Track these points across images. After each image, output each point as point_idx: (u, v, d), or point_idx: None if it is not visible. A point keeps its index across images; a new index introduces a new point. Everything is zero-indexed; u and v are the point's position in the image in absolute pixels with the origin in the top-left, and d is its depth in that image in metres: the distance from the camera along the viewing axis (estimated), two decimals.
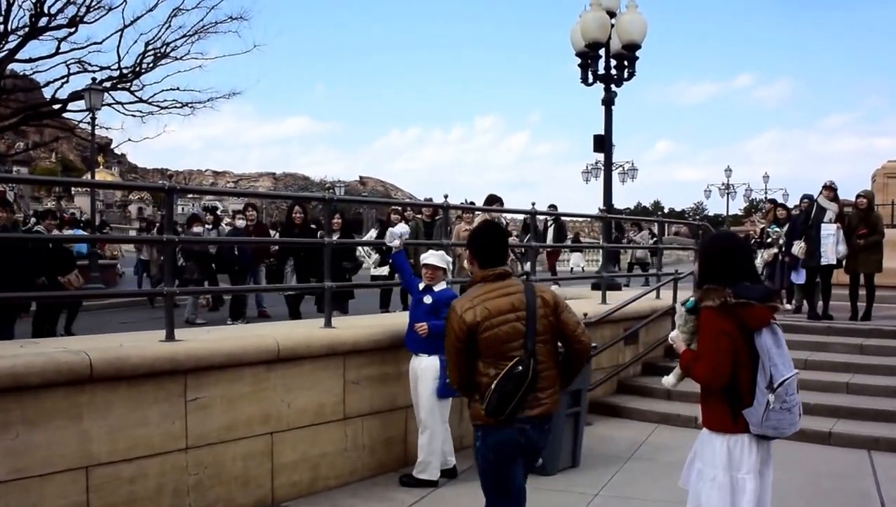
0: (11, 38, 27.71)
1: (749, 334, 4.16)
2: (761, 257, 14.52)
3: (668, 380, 4.87)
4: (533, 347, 4.50)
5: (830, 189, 12.42)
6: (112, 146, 43.36)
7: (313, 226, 13.38)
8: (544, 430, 4.64)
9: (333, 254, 11.58)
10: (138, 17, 29.61)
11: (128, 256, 28.96)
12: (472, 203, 15.68)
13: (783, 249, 13.46)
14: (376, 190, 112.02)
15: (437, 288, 7.21)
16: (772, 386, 4.09)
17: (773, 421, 4.13)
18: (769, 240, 13.93)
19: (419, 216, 13.77)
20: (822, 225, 12.18)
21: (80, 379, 5.35)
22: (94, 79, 28.06)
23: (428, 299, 7.12)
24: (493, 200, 11.60)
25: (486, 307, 4.49)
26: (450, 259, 7.47)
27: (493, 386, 4.43)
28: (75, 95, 29.05)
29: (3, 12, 26.88)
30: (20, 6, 27.30)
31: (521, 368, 4.43)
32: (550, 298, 4.70)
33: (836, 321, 12.06)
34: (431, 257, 7.29)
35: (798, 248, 12.63)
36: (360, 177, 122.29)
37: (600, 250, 19.24)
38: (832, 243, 12.04)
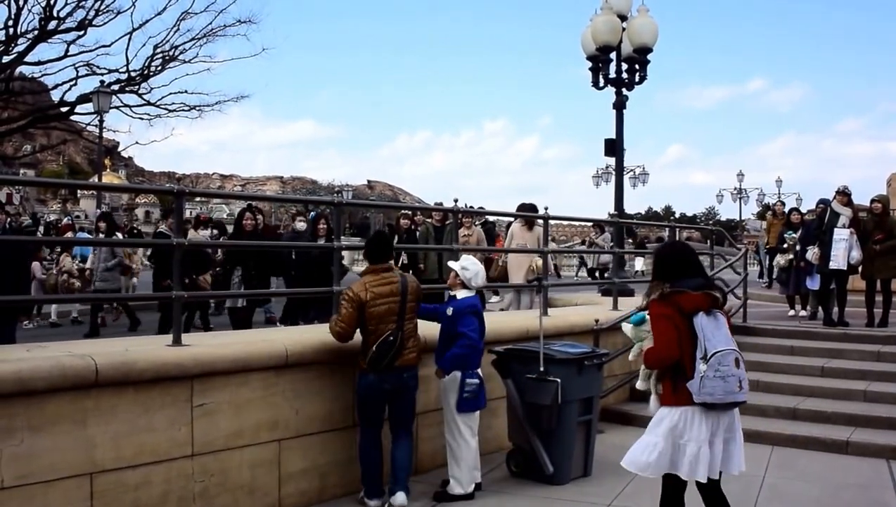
0: (21, 41, 27.84)
1: (689, 318, 4.86)
2: (776, 263, 14.38)
3: (639, 384, 5.48)
4: (402, 323, 6.50)
5: (844, 194, 12.27)
6: (119, 149, 43.49)
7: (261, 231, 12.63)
8: (403, 377, 6.59)
9: (317, 260, 11.36)
10: (147, 21, 29.74)
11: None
12: (480, 207, 15.60)
13: (797, 254, 13.33)
14: (384, 194, 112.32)
15: (459, 295, 7.06)
16: (705, 357, 4.73)
17: (707, 388, 4.71)
18: (785, 246, 13.80)
19: (429, 221, 13.66)
20: (835, 230, 12.04)
21: (86, 384, 5.26)
22: (102, 82, 28.18)
23: (449, 311, 6.98)
24: (526, 208, 12.25)
25: (373, 292, 6.44)
26: (475, 268, 7.16)
27: (374, 348, 6.41)
28: (83, 98, 29.13)
29: (12, 16, 26.95)
30: (30, 10, 27.37)
31: (392, 338, 6.44)
32: (416, 289, 6.77)
33: (853, 328, 11.88)
34: (452, 262, 7.28)
35: (812, 253, 12.49)
36: (369, 181, 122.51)
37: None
38: (843, 249, 11.88)
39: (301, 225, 14.09)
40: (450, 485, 6.94)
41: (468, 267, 7.11)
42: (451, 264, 7.31)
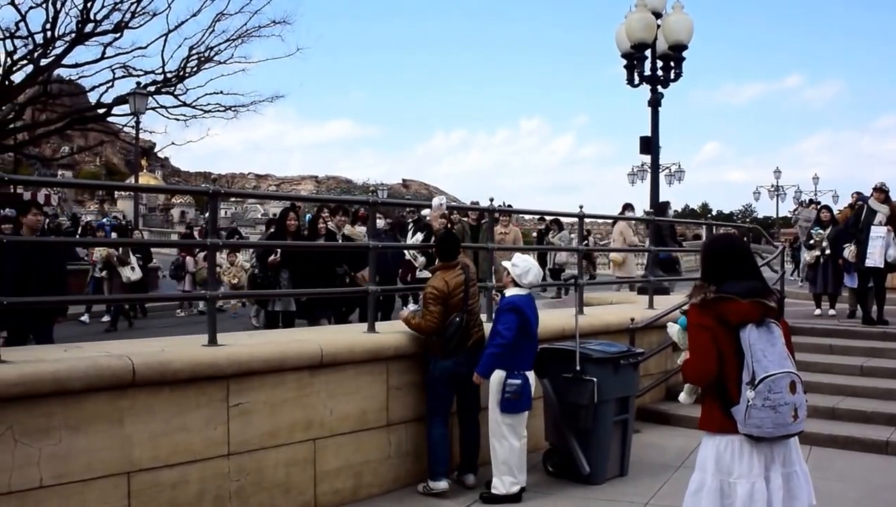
0: (58, 43, 28.06)
1: (735, 331, 4.11)
2: (803, 260, 14.20)
3: (682, 397, 4.91)
4: (466, 307, 7.04)
5: (881, 191, 12.12)
6: (155, 150, 43.80)
7: (305, 232, 12.29)
8: (473, 356, 6.99)
9: (326, 258, 11.25)
10: (182, 22, 29.91)
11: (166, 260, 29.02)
12: (509, 206, 15.55)
13: (825, 251, 13.16)
14: (420, 193, 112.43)
15: (507, 294, 7.08)
16: (752, 383, 4.01)
17: (755, 419, 4.01)
18: (811, 242, 13.63)
19: (465, 219, 13.62)
20: (872, 228, 11.89)
21: (123, 384, 5.30)
22: (138, 83, 28.41)
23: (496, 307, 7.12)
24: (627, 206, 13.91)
25: (452, 283, 7.01)
26: (526, 265, 7.08)
27: (445, 332, 6.90)
28: (120, 100, 29.38)
29: (50, 19, 27.22)
30: (67, 13, 27.64)
31: (458, 319, 6.95)
32: (475, 274, 7.40)
33: (892, 327, 11.71)
34: (505, 261, 7.28)
35: (848, 251, 12.34)
36: (404, 180, 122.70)
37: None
38: (880, 246, 11.74)
39: (381, 223, 13.67)
40: (493, 485, 6.89)
41: (517, 264, 7.06)
42: (503, 262, 7.31)
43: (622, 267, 14.68)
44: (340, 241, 11.95)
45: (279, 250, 10.92)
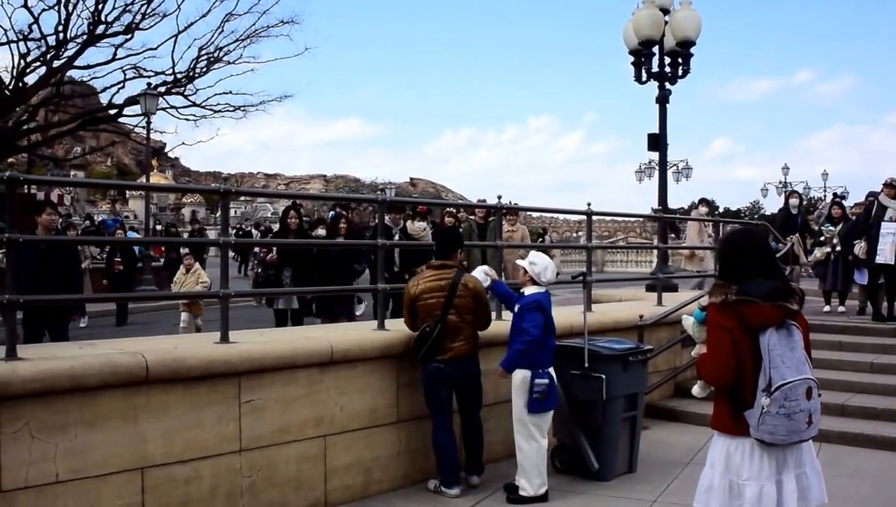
0: (70, 45, 28.18)
1: (754, 335, 4.01)
2: (814, 256, 14.19)
3: (695, 390, 4.80)
4: (444, 316, 6.75)
5: (892, 187, 12.04)
6: (166, 150, 43.87)
7: (321, 232, 12.25)
8: (458, 366, 6.83)
9: (341, 256, 11.30)
10: (192, 23, 29.99)
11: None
12: (515, 204, 15.58)
13: (835, 248, 13.14)
14: (427, 191, 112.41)
15: (527, 292, 6.97)
16: (768, 389, 3.92)
17: (768, 426, 3.95)
18: (822, 239, 13.60)
19: (472, 218, 13.65)
20: (883, 224, 11.84)
21: (137, 381, 5.37)
22: (149, 84, 28.49)
23: (516, 308, 6.97)
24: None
25: (423, 287, 6.86)
26: (544, 263, 6.99)
27: (414, 338, 6.82)
28: (131, 101, 29.48)
29: (62, 21, 27.35)
30: (79, 15, 27.77)
31: (427, 329, 6.74)
32: (472, 285, 6.94)
33: None
34: (519, 260, 7.21)
35: (859, 248, 12.31)
36: (411, 178, 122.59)
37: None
38: (891, 243, 11.68)
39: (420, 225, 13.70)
40: (521, 486, 6.82)
41: (536, 261, 6.95)
42: (518, 261, 7.24)
43: (692, 260, 15.43)
44: (398, 238, 11.98)
45: (276, 248, 11.00)
